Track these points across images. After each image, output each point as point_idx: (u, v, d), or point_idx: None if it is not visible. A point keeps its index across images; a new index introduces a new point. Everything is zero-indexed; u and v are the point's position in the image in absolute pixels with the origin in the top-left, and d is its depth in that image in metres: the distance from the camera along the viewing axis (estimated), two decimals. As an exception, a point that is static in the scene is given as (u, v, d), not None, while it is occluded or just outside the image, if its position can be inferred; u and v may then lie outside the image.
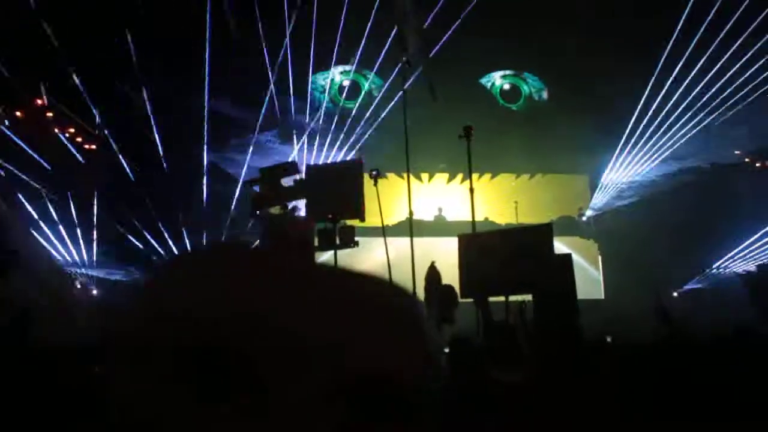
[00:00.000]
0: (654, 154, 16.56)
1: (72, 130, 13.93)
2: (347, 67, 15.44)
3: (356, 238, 8.03)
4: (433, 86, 8.61)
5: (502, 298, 7.16)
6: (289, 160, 12.76)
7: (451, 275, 7.89)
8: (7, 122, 13.03)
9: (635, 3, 13.76)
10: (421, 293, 8.02)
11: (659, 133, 16.08)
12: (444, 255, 8.27)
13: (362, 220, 7.80)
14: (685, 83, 14.93)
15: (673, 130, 16.00)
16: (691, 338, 4.49)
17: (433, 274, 8.20)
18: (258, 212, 8.35)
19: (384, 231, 8.49)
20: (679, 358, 3.05)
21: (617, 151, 16.70)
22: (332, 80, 15.69)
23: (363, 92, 15.77)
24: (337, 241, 7.62)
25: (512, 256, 7.50)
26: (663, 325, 5.16)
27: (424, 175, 17.54)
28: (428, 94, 8.85)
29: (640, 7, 13.63)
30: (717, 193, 15.41)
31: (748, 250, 15.92)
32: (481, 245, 7.67)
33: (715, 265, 16.91)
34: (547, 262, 7.56)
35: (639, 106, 15.65)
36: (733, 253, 16.27)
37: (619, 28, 13.88)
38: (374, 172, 8.19)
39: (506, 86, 16.93)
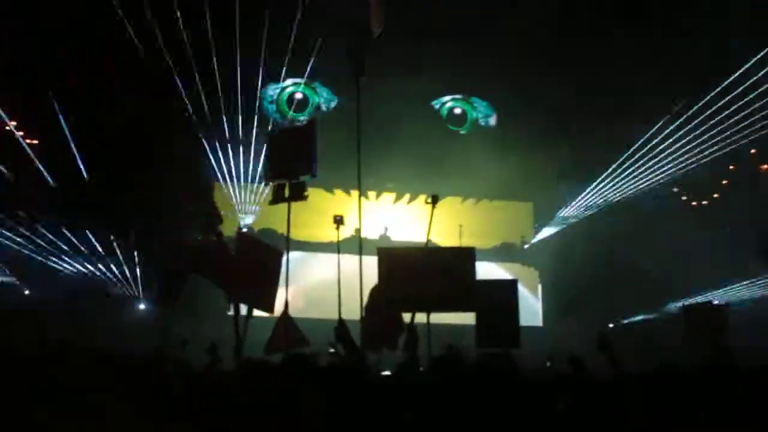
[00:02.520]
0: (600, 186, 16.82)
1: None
2: (298, 80, 15.29)
3: (304, 240, 8.04)
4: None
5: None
6: None
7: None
8: None
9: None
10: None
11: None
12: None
13: (314, 175, 7.86)
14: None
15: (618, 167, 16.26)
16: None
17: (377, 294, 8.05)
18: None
19: (338, 247, 8.44)
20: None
21: (568, 181, 16.88)
22: (282, 92, 15.52)
23: (312, 105, 15.64)
24: (287, 194, 7.73)
25: (434, 275, 7.53)
26: (602, 354, 5.17)
27: (371, 193, 17.47)
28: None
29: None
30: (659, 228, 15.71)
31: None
32: (403, 261, 7.67)
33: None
34: (469, 284, 7.62)
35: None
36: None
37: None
38: (338, 218, 8.74)
39: (456, 110, 16.99)
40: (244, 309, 6.99)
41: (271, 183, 8.40)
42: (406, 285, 7.33)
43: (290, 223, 8.16)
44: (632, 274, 15.74)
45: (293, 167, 7.98)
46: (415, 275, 7.37)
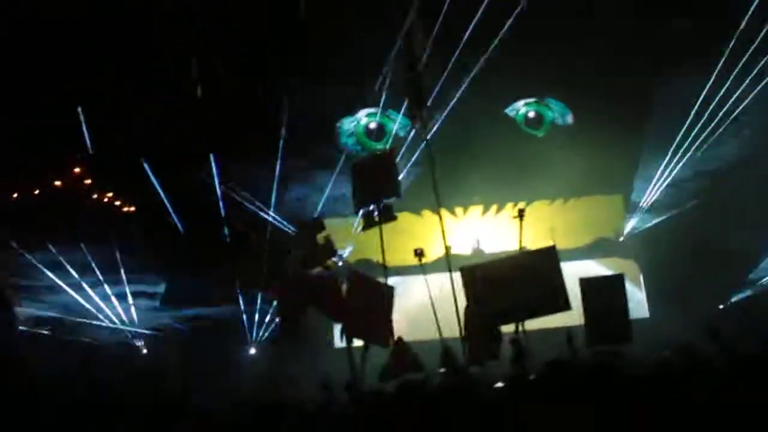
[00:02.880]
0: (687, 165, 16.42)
1: (110, 195, 14.19)
2: (373, 110, 15.66)
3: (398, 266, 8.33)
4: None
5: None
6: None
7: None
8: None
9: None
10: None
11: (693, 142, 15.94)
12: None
13: (399, 196, 8.50)
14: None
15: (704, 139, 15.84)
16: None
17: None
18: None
19: (424, 270, 8.68)
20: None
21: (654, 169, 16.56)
22: (358, 123, 15.93)
23: (390, 134, 15.97)
24: (377, 219, 8.28)
25: (520, 281, 7.53)
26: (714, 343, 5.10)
27: (458, 209, 17.61)
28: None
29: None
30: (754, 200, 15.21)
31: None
32: (486, 275, 7.71)
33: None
34: (556, 283, 7.59)
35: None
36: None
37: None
38: (418, 251, 9.16)
39: (530, 114, 16.97)
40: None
41: (360, 210, 8.77)
42: (493, 298, 7.40)
43: (384, 249, 8.48)
44: (733, 252, 15.31)
45: (379, 191, 8.39)
46: (501, 286, 7.42)
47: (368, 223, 8.54)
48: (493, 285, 7.49)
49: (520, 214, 8.49)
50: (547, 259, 7.79)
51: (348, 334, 7.62)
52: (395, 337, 8.01)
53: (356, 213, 9.03)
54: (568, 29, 13.70)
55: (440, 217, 9.07)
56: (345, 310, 7.57)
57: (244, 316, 16.78)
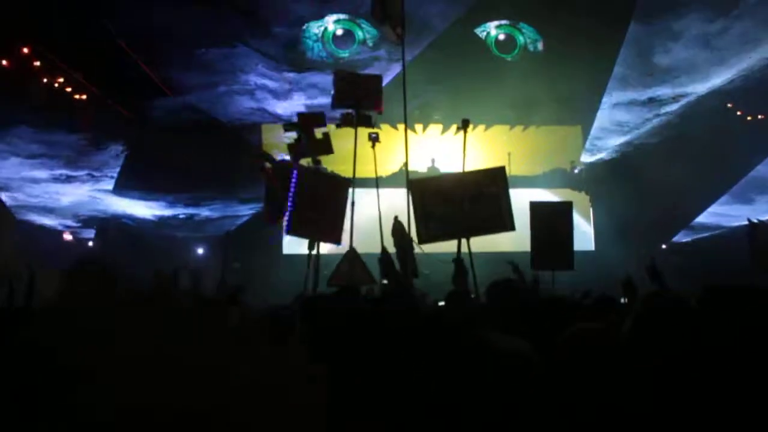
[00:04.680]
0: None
1: (61, 80, 13.65)
2: (341, 15, 15.22)
3: (352, 189, 8.41)
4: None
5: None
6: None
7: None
8: None
9: None
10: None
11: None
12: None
13: (380, 112, 8.91)
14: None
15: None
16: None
17: (397, 227, 8.26)
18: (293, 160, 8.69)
19: (377, 182, 8.69)
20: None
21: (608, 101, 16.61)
22: (326, 29, 15.48)
23: (357, 41, 15.58)
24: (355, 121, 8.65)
25: (467, 199, 7.64)
26: (654, 282, 5.14)
27: (418, 126, 17.49)
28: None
29: None
30: (710, 144, 15.43)
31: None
32: (435, 189, 7.79)
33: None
34: (502, 203, 7.72)
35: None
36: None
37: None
38: (373, 135, 8.89)
39: (501, 36, 16.72)
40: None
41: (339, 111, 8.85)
42: (440, 212, 7.49)
43: (352, 159, 8.50)
44: (680, 194, 15.61)
45: (361, 101, 8.69)
46: (449, 201, 7.50)
47: (345, 122, 8.66)
48: (441, 198, 7.58)
49: (464, 124, 8.44)
50: (496, 179, 7.89)
51: (294, 230, 7.73)
52: (349, 246, 8.07)
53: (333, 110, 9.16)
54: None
55: (406, 135, 9.01)
56: (298, 205, 7.64)
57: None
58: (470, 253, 7.57)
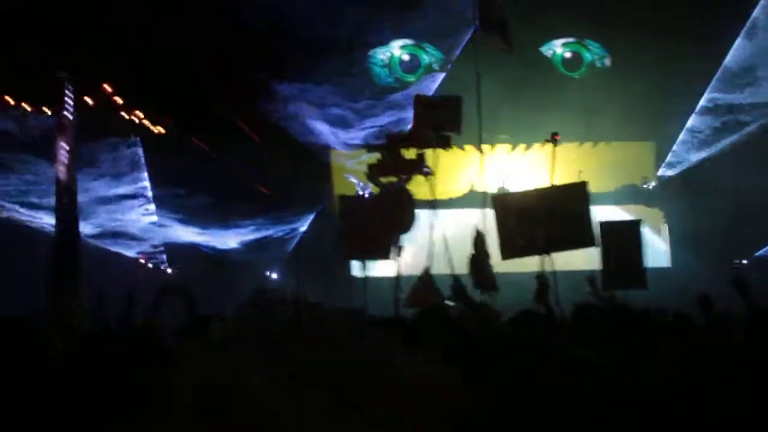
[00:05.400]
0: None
1: (140, 114, 14.19)
2: (407, 41, 15.46)
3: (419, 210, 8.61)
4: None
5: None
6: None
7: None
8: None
9: None
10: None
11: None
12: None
13: (459, 132, 8.81)
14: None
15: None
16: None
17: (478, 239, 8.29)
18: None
19: (434, 204, 8.75)
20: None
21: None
22: (392, 55, 15.72)
23: (423, 66, 15.77)
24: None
25: (549, 215, 7.59)
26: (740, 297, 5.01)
27: (485, 147, 17.46)
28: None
29: None
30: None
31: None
32: (518, 205, 7.77)
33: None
34: (585, 219, 7.64)
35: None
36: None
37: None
38: (426, 170, 8.93)
39: (567, 54, 16.65)
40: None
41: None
42: (523, 228, 7.47)
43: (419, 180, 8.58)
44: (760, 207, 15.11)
45: (441, 124, 8.70)
46: (531, 217, 7.49)
47: (421, 143, 8.73)
48: (523, 214, 7.57)
49: (553, 139, 8.38)
50: (579, 195, 7.86)
51: (347, 255, 7.94)
52: (423, 269, 8.16)
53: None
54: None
55: (481, 154, 9.13)
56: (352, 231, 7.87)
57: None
58: (554, 271, 7.50)
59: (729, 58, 15.40)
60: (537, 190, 8.47)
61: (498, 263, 8.05)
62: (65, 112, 11.05)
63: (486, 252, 7.92)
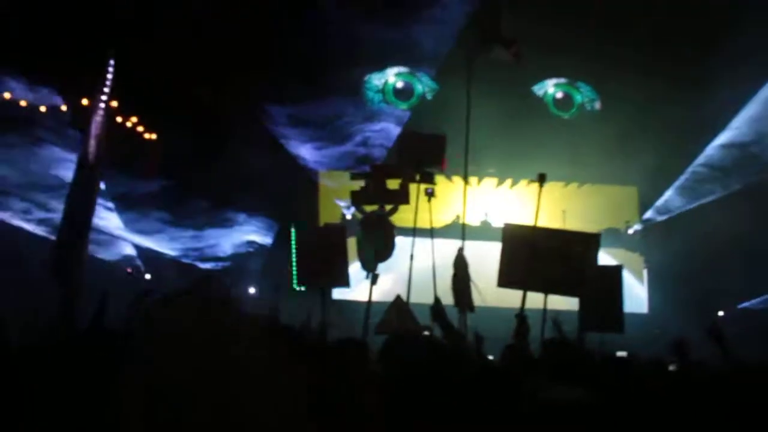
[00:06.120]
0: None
1: (134, 120, 14.09)
2: (402, 69, 15.57)
3: (399, 237, 8.81)
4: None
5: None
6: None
7: (486, 279, 8.07)
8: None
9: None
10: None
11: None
12: (489, 260, 8.35)
13: (443, 170, 9.23)
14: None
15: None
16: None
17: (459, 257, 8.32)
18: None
19: (432, 232, 8.79)
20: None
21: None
22: (386, 82, 15.82)
23: (416, 95, 15.88)
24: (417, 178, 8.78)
25: (556, 257, 7.57)
26: (716, 347, 4.96)
27: (473, 179, 17.55)
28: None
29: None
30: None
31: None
32: (527, 238, 7.75)
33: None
34: (585, 270, 7.63)
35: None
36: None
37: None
38: (429, 190, 8.96)
39: (559, 95, 16.82)
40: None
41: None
42: (527, 263, 7.44)
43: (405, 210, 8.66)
44: (747, 256, 15.17)
45: (425, 160, 8.86)
46: (538, 254, 7.46)
47: (408, 179, 8.84)
48: (530, 248, 7.54)
49: (541, 179, 8.36)
50: (590, 245, 7.88)
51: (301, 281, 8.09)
52: (396, 295, 8.15)
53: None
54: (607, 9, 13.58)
55: (465, 186, 9.23)
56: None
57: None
58: (545, 309, 7.44)
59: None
60: (549, 230, 8.42)
61: (487, 294, 8.14)
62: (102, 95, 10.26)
63: (467, 273, 7.97)
